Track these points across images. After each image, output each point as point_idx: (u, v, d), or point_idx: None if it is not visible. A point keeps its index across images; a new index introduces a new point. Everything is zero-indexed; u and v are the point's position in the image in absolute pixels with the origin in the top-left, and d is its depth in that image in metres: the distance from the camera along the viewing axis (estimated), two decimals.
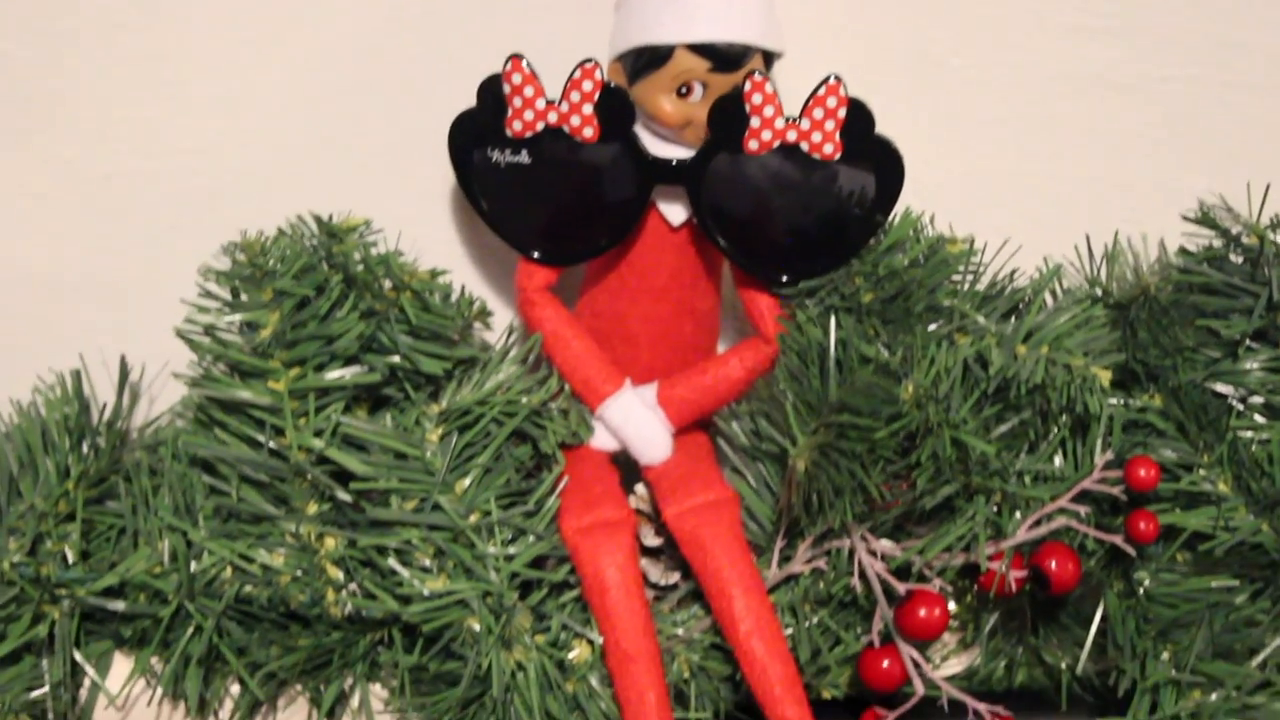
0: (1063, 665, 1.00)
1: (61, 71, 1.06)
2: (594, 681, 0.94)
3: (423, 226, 1.05)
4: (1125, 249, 1.02)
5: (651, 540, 0.99)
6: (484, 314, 1.00)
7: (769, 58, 0.95)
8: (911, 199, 0.95)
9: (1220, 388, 0.97)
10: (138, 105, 1.07)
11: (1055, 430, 0.94)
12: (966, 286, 0.97)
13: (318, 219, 0.96)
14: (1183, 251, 1.00)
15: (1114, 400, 0.96)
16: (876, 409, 0.89)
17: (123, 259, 1.11)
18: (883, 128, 0.92)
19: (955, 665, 1.02)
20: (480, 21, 1.05)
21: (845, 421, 0.88)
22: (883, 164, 0.93)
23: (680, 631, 0.96)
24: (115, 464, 1.02)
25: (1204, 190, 1.03)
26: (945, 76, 1.06)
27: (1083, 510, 0.93)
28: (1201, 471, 0.96)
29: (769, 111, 0.91)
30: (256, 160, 1.08)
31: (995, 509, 0.93)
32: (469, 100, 0.94)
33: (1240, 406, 0.97)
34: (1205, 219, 0.99)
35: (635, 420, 0.99)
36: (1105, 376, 0.90)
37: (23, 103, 1.07)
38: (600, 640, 0.94)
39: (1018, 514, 0.93)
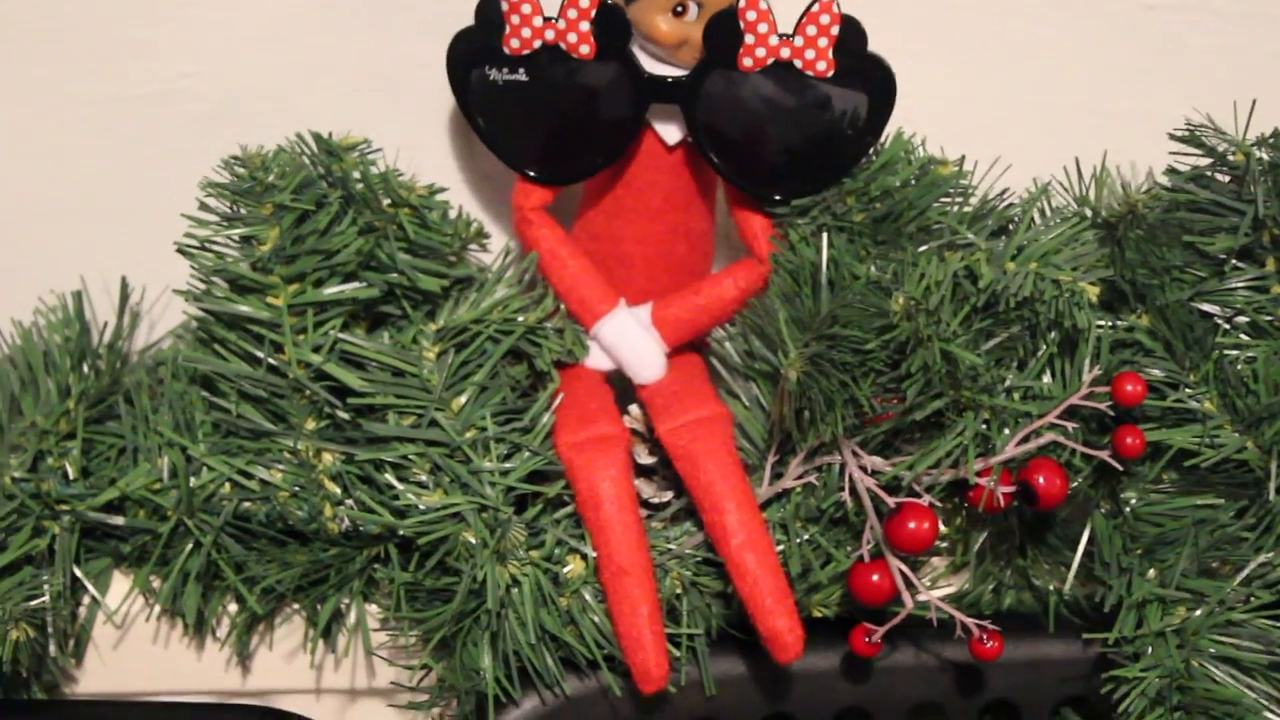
0: (1050, 588, 1.01)
1: None
2: (587, 595, 0.95)
3: (419, 151, 1.06)
4: (1113, 173, 1.02)
5: (645, 459, 1.00)
6: (480, 235, 1.01)
7: None
8: (901, 124, 0.96)
9: (1207, 306, 0.98)
10: (133, 27, 1.07)
11: (1044, 347, 0.95)
12: (957, 207, 0.98)
13: (317, 136, 0.97)
14: (1170, 171, 1.01)
15: (1102, 320, 0.97)
16: (867, 320, 0.90)
17: (122, 182, 1.11)
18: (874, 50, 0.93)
19: (944, 589, 1.03)
20: None
21: (836, 333, 0.89)
22: (875, 82, 0.94)
23: (673, 547, 0.97)
24: (115, 384, 1.03)
25: (1191, 115, 1.05)
26: (936, 1, 1.07)
27: (1070, 426, 0.94)
28: (1187, 390, 0.96)
29: (763, 28, 0.92)
30: (254, 83, 1.09)
31: (984, 424, 0.94)
32: (466, 20, 0.95)
33: (1226, 325, 0.98)
34: (1192, 138, 1.00)
35: (630, 339, 1.00)
36: (1093, 291, 0.91)
37: (17, 25, 1.08)
38: (594, 555, 0.95)
39: (1006, 430, 0.94)
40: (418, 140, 1.08)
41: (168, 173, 1.09)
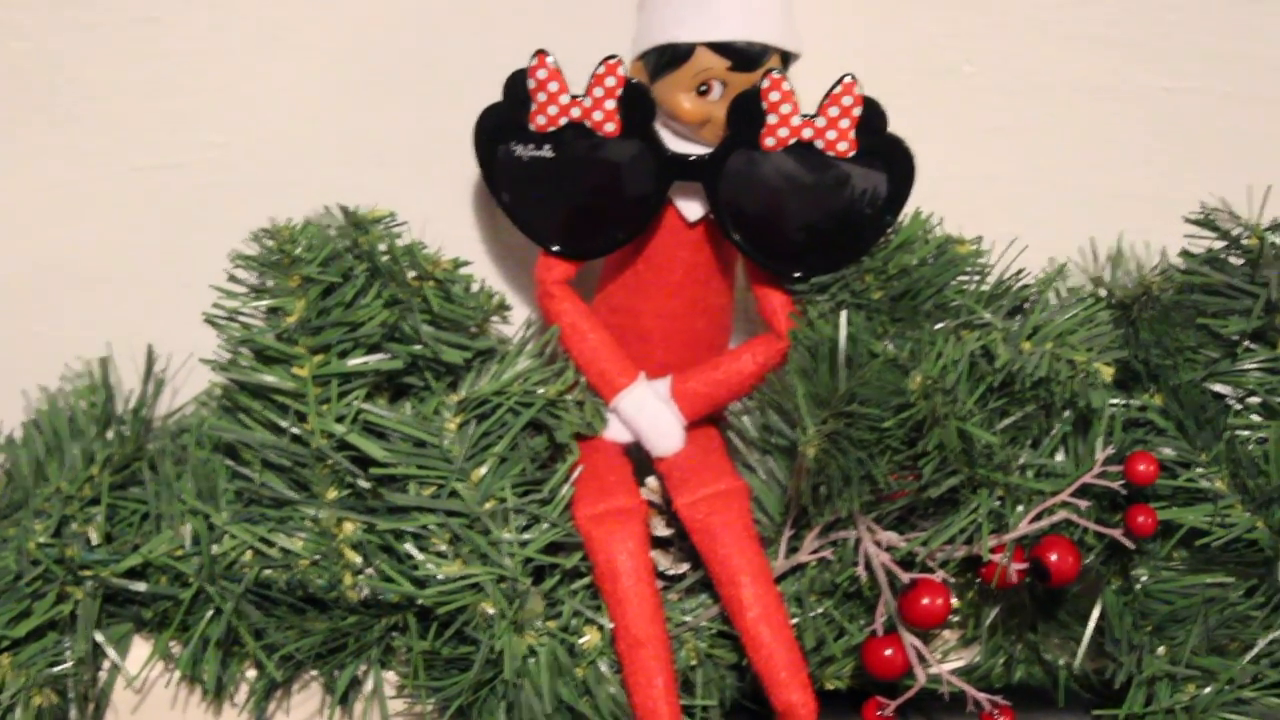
0: (1060, 663, 1.02)
1: (90, 64, 1.08)
2: (603, 667, 0.96)
3: (444, 222, 1.07)
4: (1128, 252, 1.04)
5: (662, 531, 1.01)
6: (503, 308, 1.02)
7: (786, 59, 0.97)
8: (921, 202, 0.97)
9: (1219, 387, 0.99)
10: (165, 98, 1.09)
11: (1058, 426, 0.96)
12: (974, 286, 0.99)
13: (344, 209, 0.99)
14: (1184, 253, 1.02)
15: (1115, 399, 0.98)
16: (885, 399, 0.91)
17: (150, 250, 1.13)
18: (895, 130, 0.94)
19: (956, 662, 1.04)
20: (505, 18, 1.07)
21: (854, 411, 0.90)
22: (895, 162, 0.96)
23: (689, 619, 0.98)
24: (140, 450, 1.04)
25: (1206, 199, 1.06)
26: (957, 83, 1.08)
27: (1083, 505, 0.95)
28: (1199, 469, 0.97)
29: (786, 109, 0.94)
30: (282, 154, 1.10)
31: (998, 501, 0.95)
32: (493, 97, 0.96)
33: (1238, 405, 0.99)
34: (1206, 221, 1.01)
35: (649, 412, 1.01)
36: (1108, 372, 0.93)
37: (52, 94, 1.09)
38: (610, 626, 0.96)
39: (1020, 507, 0.95)
40: (442, 211, 1.09)
41: (195, 241, 1.10)
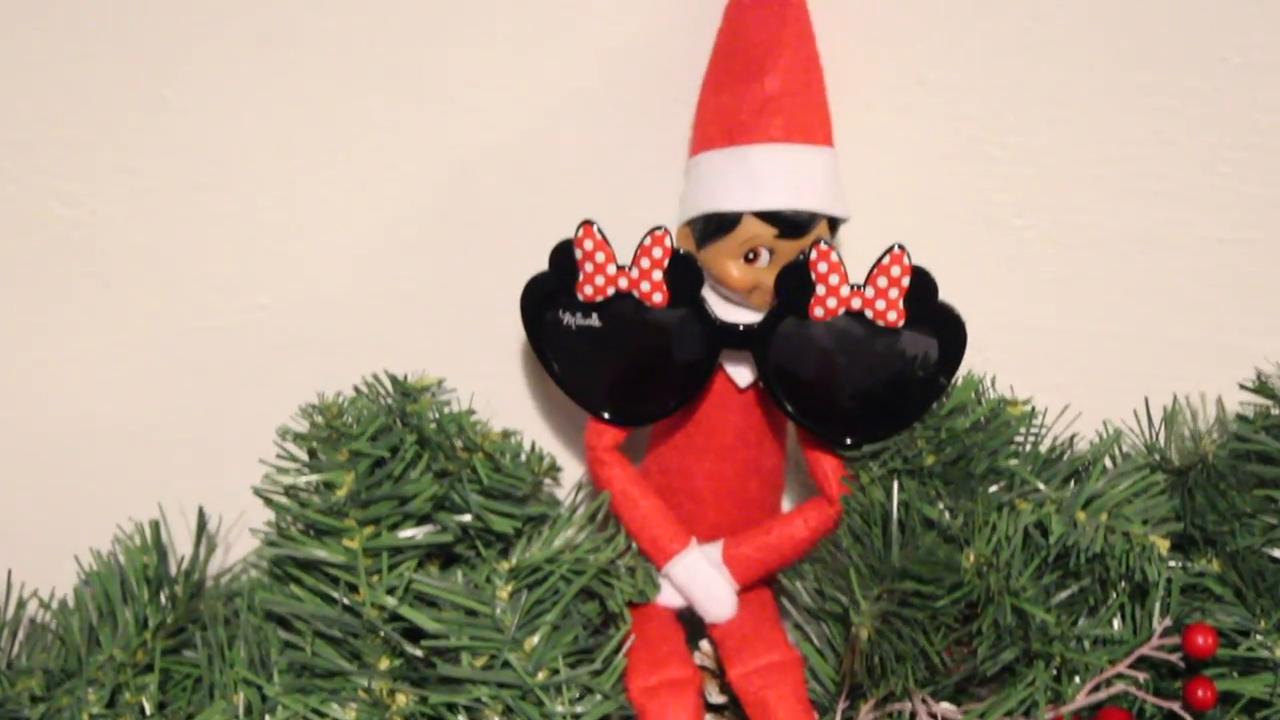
0: None
1: (143, 229, 1.09)
2: None
3: (495, 380, 1.08)
4: (1184, 408, 1.03)
5: (716, 698, 1.01)
6: (554, 470, 1.02)
7: (834, 222, 0.97)
8: (972, 356, 0.97)
9: (1278, 553, 0.98)
10: (217, 261, 1.10)
11: (1114, 596, 0.95)
12: (1028, 448, 0.98)
13: (392, 378, 0.99)
14: (1240, 419, 1.01)
15: (1173, 563, 0.97)
16: (939, 577, 0.90)
17: (200, 409, 1.14)
18: (946, 285, 0.93)
19: None
20: (551, 178, 1.07)
21: (908, 589, 0.89)
22: (945, 330, 0.94)
23: None
24: (193, 613, 1.04)
25: (1260, 350, 1.05)
26: (1008, 236, 1.07)
27: (1141, 676, 0.94)
28: (1259, 637, 0.96)
29: (834, 279, 0.93)
30: (333, 316, 1.11)
31: (1055, 673, 0.94)
32: (541, 258, 0.96)
33: None
34: (1262, 388, 1.00)
35: (701, 579, 1.01)
36: (1163, 545, 0.91)
37: (102, 260, 1.10)
38: None
39: (1077, 678, 0.94)
40: (492, 370, 1.10)
41: (245, 401, 1.12)
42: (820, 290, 0.93)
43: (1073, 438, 0.99)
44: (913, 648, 0.90)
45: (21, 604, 1.06)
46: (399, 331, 1.11)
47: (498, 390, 1.09)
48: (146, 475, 1.14)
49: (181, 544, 1.07)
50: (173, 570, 1.06)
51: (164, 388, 1.13)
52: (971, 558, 0.90)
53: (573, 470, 1.10)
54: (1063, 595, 0.95)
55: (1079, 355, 1.10)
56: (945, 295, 0.93)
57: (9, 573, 1.05)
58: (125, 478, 1.15)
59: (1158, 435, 1.02)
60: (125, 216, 1.09)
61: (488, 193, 1.08)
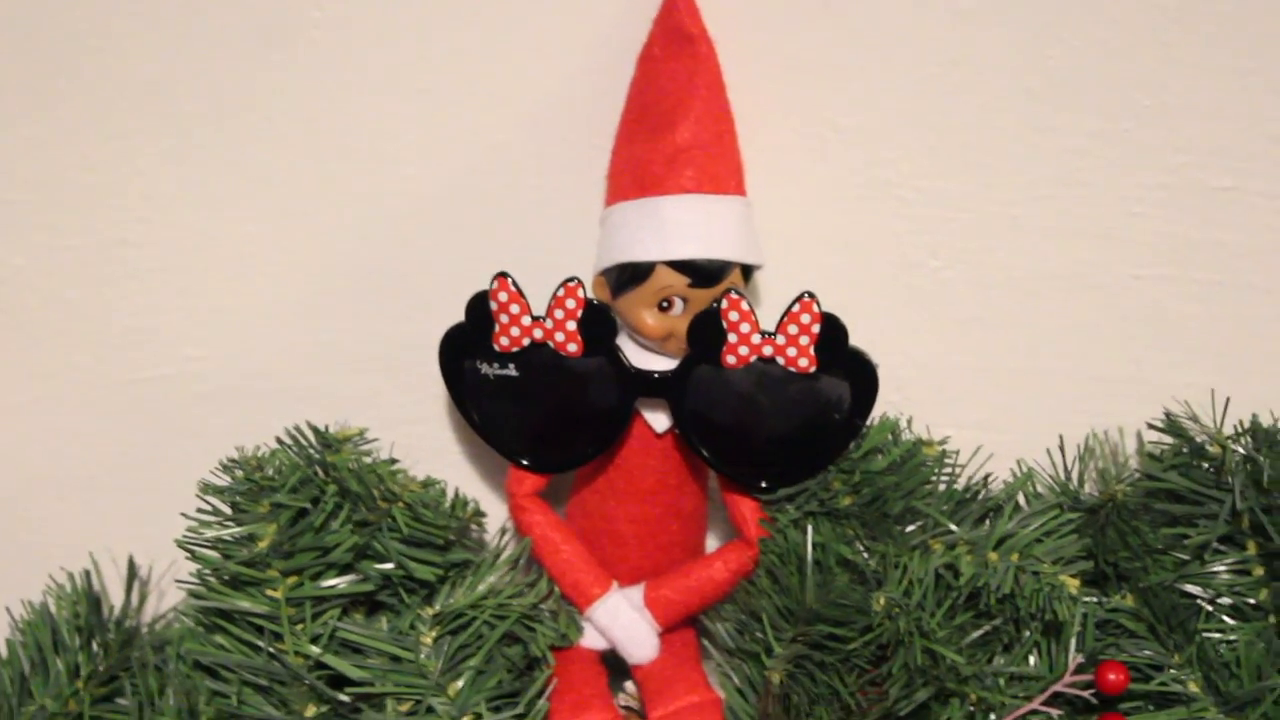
0: None
1: (70, 284, 1.10)
2: None
3: (420, 425, 1.09)
4: (1103, 443, 1.04)
5: None
6: (478, 515, 1.03)
7: (748, 270, 0.98)
8: (891, 394, 0.98)
9: (1189, 588, 0.99)
10: (142, 314, 1.11)
11: (1028, 634, 0.96)
12: (942, 488, 0.99)
13: (314, 429, 1.00)
14: (1149, 457, 1.03)
15: (1087, 599, 0.98)
16: (850, 619, 0.91)
17: (130, 460, 1.15)
18: (866, 326, 0.95)
19: None
20: (471, 233, 1.08)
21: (820, 632, 0.91)
22: (857, 375, 0.96)
23: None
24: (125, 661, 1.05)
25: (1176, 383, 1.06)
26: (925, 277, 1.08)
27: (1055, 713, 0.94)
28: (1172, 671, 0.97)
29: (745, 328, 0.94)
30: (256, 364, 1.12)
31: (970, 711, 0.95)
32: (461, 309, 0.97)
33: (1209, 608, 0.99)
34: (1171, 428, 1.01)
35: (623, 621, 1.02)
36: (1073, 584, 0.92)
37: (30, 313, 1.11)
38: None
39: (992, 715, 0.95)
40: (415, 415, 1.11)
41: (174, 450, 1.12)
42: (732, 338, 0.94)
43: (987, 477, 1.00)
44: (827, 690, 0.91)
45: None
46: (324, 378, 1.12)
47: (423, 436, 1.11)
48: (77, 525, 1.15)
49: (115, 593, 1.08)
50: (105, 618, 1.07)
51: (94, 438, 1.14)
52: (882, 601, 0.91)
53: (498, 514, 1.11)
54: (975, 634, 0.96)
55: (997, 393, 1.10)
56: (864, 336, 0.95)
57: None
58: (56, 528, 1.15)
59: (1070, 473, 1.03)
60: (49, 271, 1.10)
61: (407, 243, 1.09)
